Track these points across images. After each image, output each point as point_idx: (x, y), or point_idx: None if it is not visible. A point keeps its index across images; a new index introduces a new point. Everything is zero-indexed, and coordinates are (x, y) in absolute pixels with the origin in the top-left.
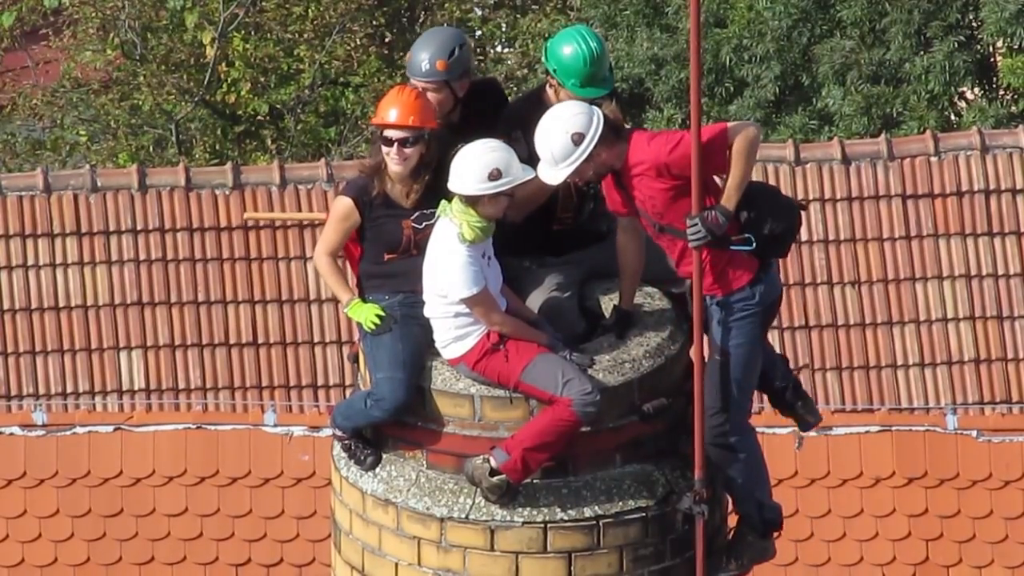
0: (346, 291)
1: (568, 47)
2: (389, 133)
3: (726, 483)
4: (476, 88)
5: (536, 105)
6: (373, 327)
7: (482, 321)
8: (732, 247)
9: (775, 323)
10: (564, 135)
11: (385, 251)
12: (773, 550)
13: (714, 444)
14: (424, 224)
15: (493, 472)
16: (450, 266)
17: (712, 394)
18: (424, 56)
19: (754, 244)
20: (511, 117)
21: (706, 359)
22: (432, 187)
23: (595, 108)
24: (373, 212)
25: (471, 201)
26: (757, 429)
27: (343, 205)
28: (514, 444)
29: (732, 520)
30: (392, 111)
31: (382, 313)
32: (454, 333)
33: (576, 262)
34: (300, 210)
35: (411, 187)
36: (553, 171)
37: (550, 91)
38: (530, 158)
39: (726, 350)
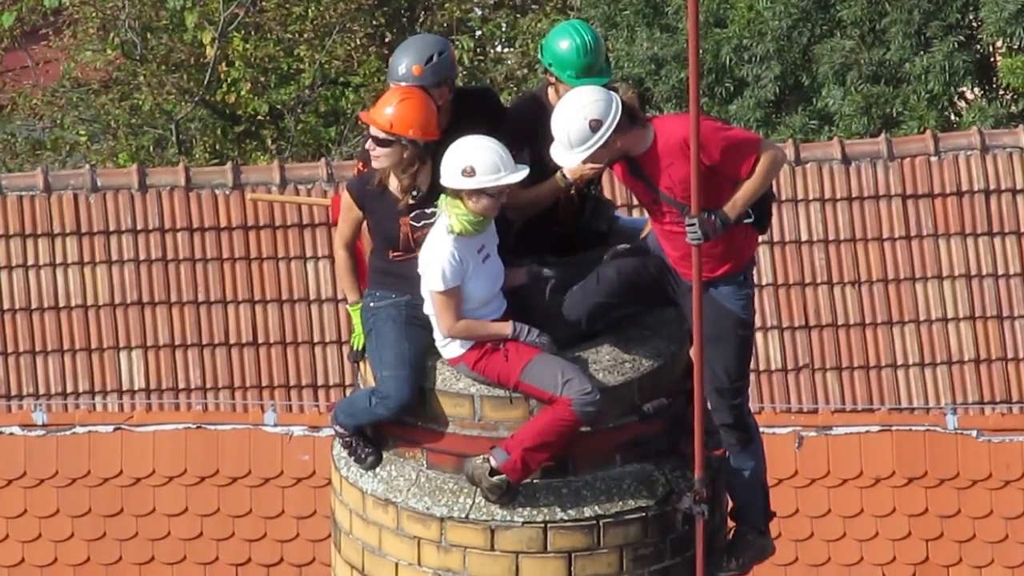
0: (354, 292)
1: (562, 40)
2: (371, 129)
3: (740, 469)
4: (467, 96)
5: (540, 109)
6: (358, 344)
7: (436, 321)
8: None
9: (775, 323)
10: (582, 121)
11: (388, 248)
12: (772, 547)
13: (736, 426)
14: (422, 223)
15: (493, 472)
16: (432, 256)
17: (738, 370)
18: (402, 61)
19: (752, 217)
20: (515, 122)
21: (722, 340)
22: (432, 189)
23: (614, 94)
24: (372, 206)
25: (454, 194)
26: (759, 434)
27: (345, 197)
28: (514, 444)
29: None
30: (376, 110)
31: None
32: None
33: (578, 262)
34: (300, 210)
35: (405, 184)
36: (568, 155)
37: (551, 91)
38: (536, 164)
39: (749, 322)
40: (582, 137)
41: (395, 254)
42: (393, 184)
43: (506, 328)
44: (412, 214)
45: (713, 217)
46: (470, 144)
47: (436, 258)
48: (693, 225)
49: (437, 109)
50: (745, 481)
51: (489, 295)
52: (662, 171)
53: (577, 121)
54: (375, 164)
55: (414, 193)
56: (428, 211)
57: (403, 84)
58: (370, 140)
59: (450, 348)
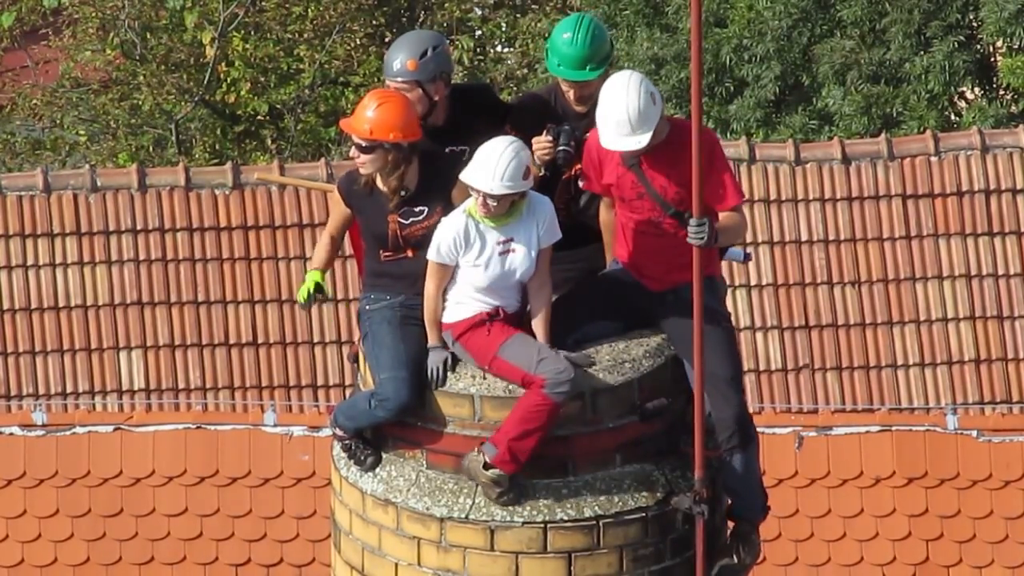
0: (319, 261)
1: (562, 28)
2: (353, 136)
3: (739, 468)
4: (464, 92)
5: (550, 103)
6: (304, 297)
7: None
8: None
9: (775, 323)
10: (646, 95)
11: (379, 248)
12: (760, 546)
13: (741, 421)
14: (410, 220)
15: (487, 466)
16: (444, 225)
17: (731, 358)
18: (397, 56)
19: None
20: (524, 111)
21: (706, 332)
22: (422, 187)
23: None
24: (360, 204)
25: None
26: (757, 429)
27: (334, 194)
28: (500, 437)
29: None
30: (356, 117)
31: (321, 282)
32: (453, 298)
33: (571, 259)
34: (300, 210)
35: (393, 186)
36: (630, 139)
37: (566, 88)
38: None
39: (725, 313)
40: (648, 112)
41: (386, 254)
42: (381, 182)
43: (432, 336)
44: (401, 211)
45: (714, 226)
46: (506, 149)
47: (444, 229)
48: (703, 226)
49: (434, 104)
50: (743, 479)
51: (490, 285)
52: (664, 168)
53: (642, 97)
54: (361, 170)
55: (402, 193)
56: (416, 209)
57: (396, 79)
58: (353, 147)
59: (446, 313)
